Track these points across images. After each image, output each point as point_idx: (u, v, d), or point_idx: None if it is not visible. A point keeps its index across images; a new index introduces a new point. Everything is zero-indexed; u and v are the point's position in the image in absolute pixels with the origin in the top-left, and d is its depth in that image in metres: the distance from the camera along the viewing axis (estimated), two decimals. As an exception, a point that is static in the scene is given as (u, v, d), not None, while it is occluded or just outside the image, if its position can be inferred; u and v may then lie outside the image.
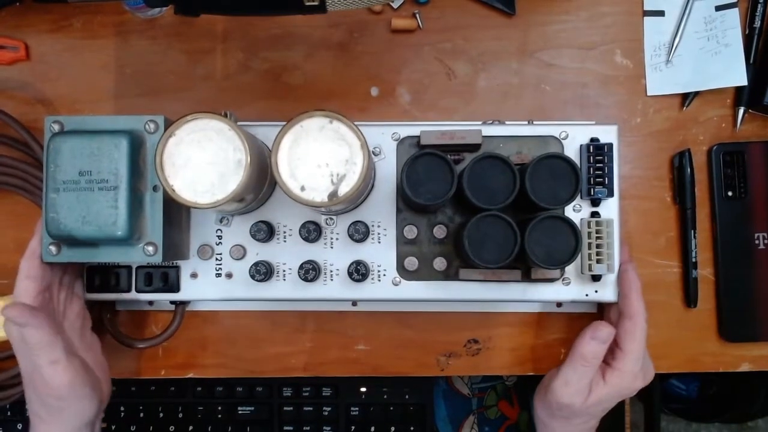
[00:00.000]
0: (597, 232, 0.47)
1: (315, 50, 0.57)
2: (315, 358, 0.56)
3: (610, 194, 0.47)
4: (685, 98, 0.56)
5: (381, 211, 0.48)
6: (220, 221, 0.49)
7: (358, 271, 0.47)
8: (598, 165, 0.47)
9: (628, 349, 0.48)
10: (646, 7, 0.56)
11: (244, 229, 0.48)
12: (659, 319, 0.56)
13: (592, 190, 0.47)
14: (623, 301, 0.48)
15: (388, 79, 0.57)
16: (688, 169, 0.55)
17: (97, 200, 0.42)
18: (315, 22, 0.57)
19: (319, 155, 0.38)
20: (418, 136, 0.48)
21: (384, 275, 0.48)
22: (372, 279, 0.48)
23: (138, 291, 0.49)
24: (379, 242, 0.48)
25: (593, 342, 0.48)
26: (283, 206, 0.49)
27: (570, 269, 0.48)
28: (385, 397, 0.65)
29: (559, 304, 0.55)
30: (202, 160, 0.39)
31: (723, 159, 0.55)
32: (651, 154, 0.56)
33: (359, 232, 0.47)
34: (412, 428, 0.65)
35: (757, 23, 0.55)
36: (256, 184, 0.42)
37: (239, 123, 0.41)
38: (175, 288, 0.49)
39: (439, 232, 0.48)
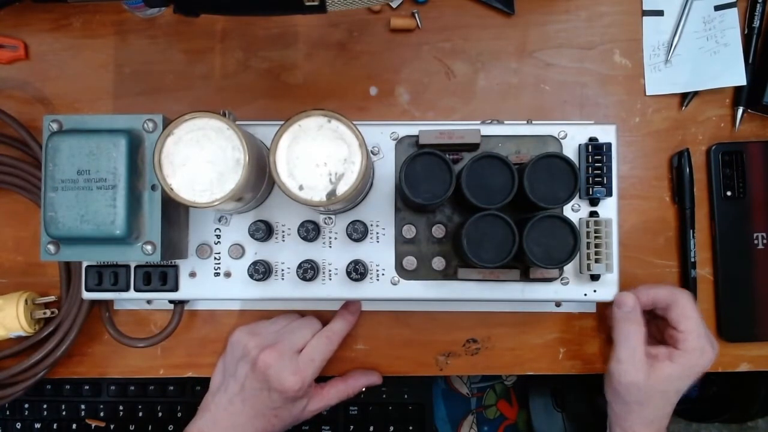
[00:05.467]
0: (596, 231, 0.47)
1: (314, 50, 0.57)
2: (314, 357, 0.56)
3: (609, 194, 0.47)
4: (684, 98, 0.56)
5: (380, 211, 0.48)
6: (219, 220, 0.49)
7: (357, 271, 0.47)
8: (596, 165, 0.47)
9: (685, 329, 0.48)
10: (645, 7, 0.56)
11: (243, 229, 0.48)
12: (658, 318, 0.56)
13: (590, 189, 0.47)
14: (659, 296, 0.50)
15: (387, 78, 0.57)
16: (687, 169, 0.55)
17: (95, 199, 0.42)
18: (314, 21, 0.57)
19: (318, 154, 0.38)
20: (417, 136, 0.48)
21: (382, 275, 0.48)
22: (371, 278, 0.48)
23: (136, 290, 0.49)
24: (378, 242, 0.48)
25: (619, 311, 0.49)
26: (281, 205, 0.49)
27: (569, 269, 0.48)
28: (384, 396, 0.65)
29: (558, 304, 0.55)
30: (200, 159, 0.39)
31: (722, 159, 0.55)
32: (650, 153, 0.56)
33: (358, 232, 0.47)
34: (411, 428, 0.65)
35: (756, 23, 0.55)
36: (254, 183, 0.42)
37: (238, 122, 0.41)
38: (174, 287, 0.49)
39: (438, 231, 0.48)
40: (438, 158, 0.42)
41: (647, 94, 0.56)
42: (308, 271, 0.47)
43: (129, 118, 0.43)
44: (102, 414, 0.66)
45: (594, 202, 0.48)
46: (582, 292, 0.48)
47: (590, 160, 0.47)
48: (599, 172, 0.47)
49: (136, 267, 0.49)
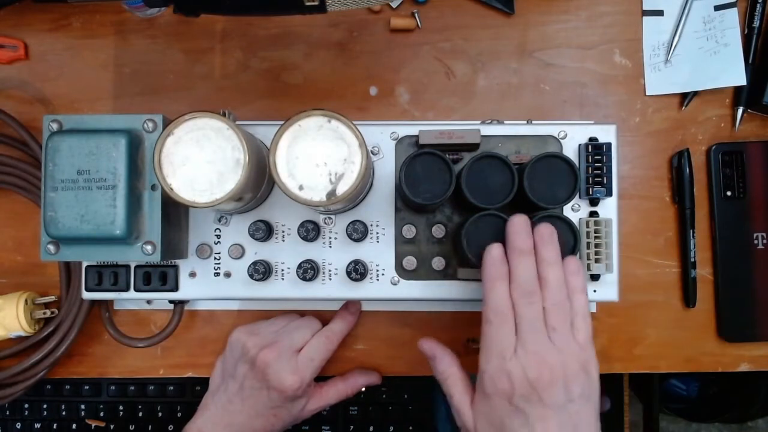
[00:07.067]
0: (596, 231, 0.47)
1: (314, 50, 0.57)
2: (314, 357, 0.56)
3: (609, 194, 0.47)
4: (684, 98, 0.56)
5: (380, 211, 0.48)
6: (219, 220, 0.49)
7: (357, 271, 0.47)
8: (596, 165, 0.47)
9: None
10: (645, 7, 0.56)
11: (243, 229, 0.48)
12: (658, 319, 0.56)
13: (590, 189, 0.47)
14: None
15: (387, 78, 0.57)
16: (687, 169, 0.55)
17: (95, 199, 0.42)
18: (314, 21, 0.57)
19: (318, 154, 0.38)
20: (417, 136, 0.48)
21: (382, 275, 0.48)
22: (370, 278, 0.48)
23: (136, 290, 0.49)
24: (378, 242, 0.48)
25: None
26: (281, 205, 0.49)
27: (568, 269, 0.48)
28: (384, 396, 0.65)
29: (557, 304, 0.55)
30: (200, 159, 0.39)
31: (722, 159, 0.55)
32: (650, 153, 0.56)
33: (358, 232, 0.47)
34: (411, 428, 0.65)
35: (756, 23, 0.55)
36: (254, 183, 0.42)
37: (238, 122, 0.41)
38: (174, 287, 0.49)
39: (438, 231, 0.48)
40: (438, 158, 0.42)
41: (647, 94, 0.56)
42: (308, 271, 0.47)
43: (129, 118, 0.43)
44: (102, 414, 0.66)
45: (594, 202, 0.48)
46: (582, 292, 0.48)
47: (590, 160, 0.47)
48: (599, 172, 0.47)
49: (136, 267, 0.49)
